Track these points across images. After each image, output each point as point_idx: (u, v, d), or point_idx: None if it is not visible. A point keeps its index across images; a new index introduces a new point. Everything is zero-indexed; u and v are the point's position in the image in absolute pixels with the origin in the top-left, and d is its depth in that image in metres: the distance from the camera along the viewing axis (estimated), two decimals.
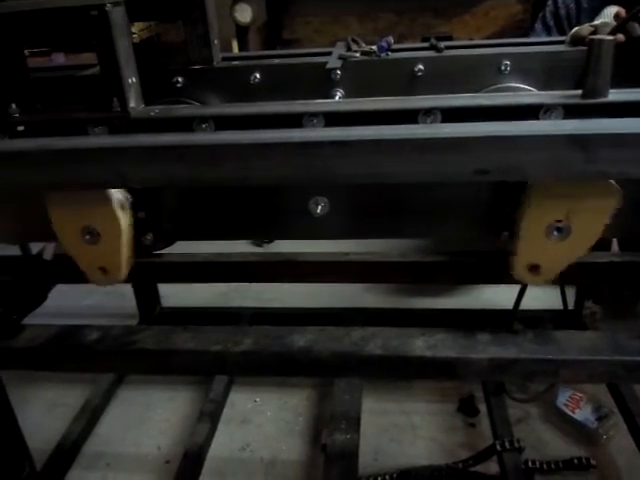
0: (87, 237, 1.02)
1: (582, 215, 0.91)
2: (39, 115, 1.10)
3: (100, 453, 1.90)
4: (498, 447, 1.71)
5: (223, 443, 1.90)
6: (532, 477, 1.69)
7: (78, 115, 1.05)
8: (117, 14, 0.98)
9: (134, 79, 1.03)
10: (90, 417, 1.98)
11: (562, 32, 2.12)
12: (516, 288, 1.19)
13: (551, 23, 2.22)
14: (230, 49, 3.55)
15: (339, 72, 1.24)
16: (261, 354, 1.10)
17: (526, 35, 2.60)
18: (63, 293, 1.60)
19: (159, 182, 0.92)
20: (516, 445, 1.71)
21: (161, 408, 2.08)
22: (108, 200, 0.99)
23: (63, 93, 1.26)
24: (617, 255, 1.46)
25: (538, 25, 2.28)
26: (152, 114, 1.03)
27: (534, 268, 0.98)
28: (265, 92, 1.27)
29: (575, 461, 1.72)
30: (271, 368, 1.14)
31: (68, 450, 1.85)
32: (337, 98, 1.24)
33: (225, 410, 2.02)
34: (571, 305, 2.06)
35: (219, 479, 1.79)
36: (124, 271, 1.07)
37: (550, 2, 2.22)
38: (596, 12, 1.77)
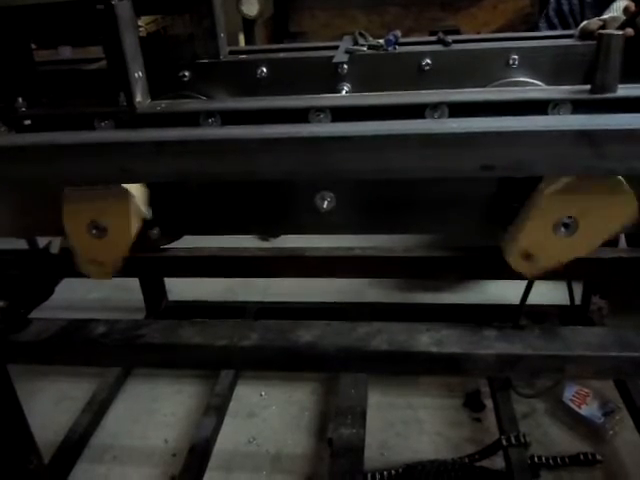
0: (94, 232, 1.02)
1: (591, 214, 0.90)
2: (45, 109, 1.10)
3: (107, 446, 1.91)
4: (504, 442, 1.71)
5: (229, 436, 1.91)
6: (538, 472, 1.69)
7: (84, 109, 1.05)
8: (123, 8, 0.97)
9: (140, 73, 1.03)
10: (97, 410, 1.99)
11: (566, 29, 2.11)
12: (522, 283, 1.19)
13: (555, 20, 2.21)
14: (237, 43, 3.54)
15: (346, 66, 1.24)
16: (267, 349, 1.10)
17: (533, 29, 2.59)
18: (70, 287, 1.60)
19: (165, 177, 0.92)
20: (522, 440, 1.71)
21: (168, 401, 2.09)
22: (115, 195, 0.99)
23: (69, 87, 1.26)
24: (625, 251, 1.45)
25: (542, 23, 2.27)
26: (158, 109, 1.03)
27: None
28: (272, 86, 1.27)
29: (581, 456, 1.72)
30: (277, 362, 1.14)
31: (75, 443, 1.86)
32: (344, 92, 1.24)
33: (231, 404, 2.03)
34: (578, 300, 2.06)
35: (225, 472, 1.79)
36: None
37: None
38: (601, 7, 1.75)
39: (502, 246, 1.01)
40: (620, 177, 0.86)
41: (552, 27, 2.19)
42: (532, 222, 0.93)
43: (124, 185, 0.98)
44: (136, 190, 1.01)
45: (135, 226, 1.02)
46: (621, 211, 0.88)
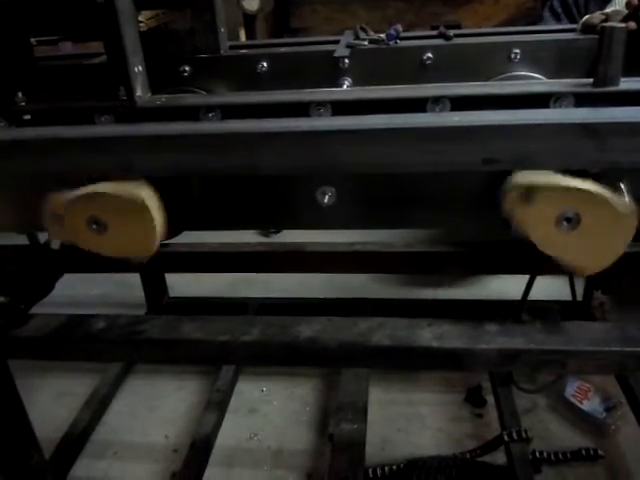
0: (94, 227, 1.01)
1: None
2: (45, 104, 1.09)
3: (108, 442, 1.91)
4: (505, 437, 1.71)
5: (230, 432, 1.91)
6: (539, 467, 1.69)
7: (84, 104, 1.05)
8: (123, 2, 0.97)
9: (140, 67, 1.02)
10: (98, 406, 1.98)
11: (571, 19, 2.10)
12: (524, 279, 1.18)
13: (559, 10, 2.20)
14: (237, 38, 3.53)
15: (347, 61, 1.23)
16: (268, 344, 1.10)
17: (536, 23, 2.58)
18: (71, 283, 1.60)
19: (165, 171, 0.91)
20: (524, 435, 1.70)
21: (169, 397, 2.09)
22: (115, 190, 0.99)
23: (70, 82, 1.26)
24: (628, 245, 1.44)
25: (546, 13, 2.26)
26: (158, 103, 1.03)
27: None
28: (272, 81, 1.26)
29: (583, 452, 1.72)
30: (278, 358, 1.13)
31: (76, 439, 1.85)
32: (345, 87, 1.24)
33: (232, 399, 2.03)
34: (580, 296, 2.05)
35: (226, 468, 1.79)
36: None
37: None
38: None
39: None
40: None
41: (557, 17, 2.18)
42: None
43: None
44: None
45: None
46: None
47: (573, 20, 2.06)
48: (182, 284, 2.49)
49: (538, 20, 2.40)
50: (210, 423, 1.86)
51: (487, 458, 1.73)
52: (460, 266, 1.59)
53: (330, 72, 1.25)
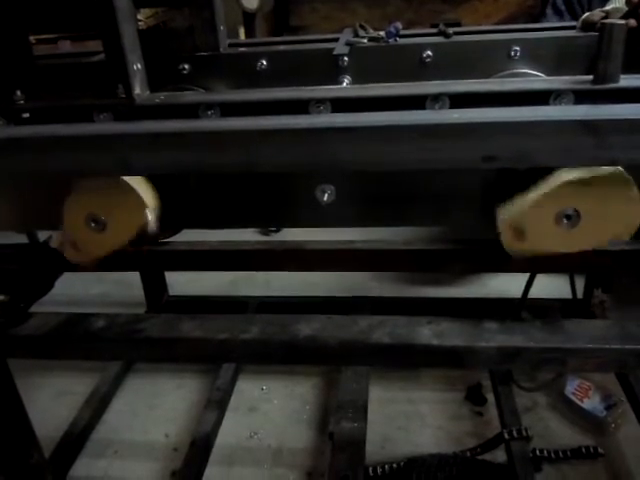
0: (93, 225, 1.01)
1: (591, 204, 0.90)
2: (44, 102, 1.09)
3: (108, 441, 1.91)
4: (506, 435, 1.71)
5: (230, 431, 1.91)
6: (540, 466, 1.69)
7: (83, 102, 1.05)
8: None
9: (139, 65, 1.02)
10: (98, 405, 1.98)
11: (574, 16, 2.10)
12: (524, 277, 1.18)
13: (562, 8, 2.20)
14: (237, 36, 3.53)
15: (346, 58, 1.23)
16: (268, 342, 1.09)
17: (537, 21, 2.58)
18: (70, 282, 1.59)
19: (164, 169, 0.91)
20: (524, 434, 1.70)
21: (169, 396, 2.09)
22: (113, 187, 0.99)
23: (69, 80, 1.25)
24: (627, 243, 1.44)
25: (549, 10, 2.26)
26: (157, 101, 1.02)
27: None
28: (272, 78, 1.26)
29: (583, 450, 1.72)
30: (278, 356, 1.13)
31: (76, 438, 1.85)
32: (344, 84, 1.23)
33: (232, 398, 2.03)
34: (580, 294, 2.05)
35: (227, 466, 1.79)
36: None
37: None
38: None
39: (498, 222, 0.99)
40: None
41: (559, 14, 2.18)
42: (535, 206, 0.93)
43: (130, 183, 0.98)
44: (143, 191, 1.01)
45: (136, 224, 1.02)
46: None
47: (576, 17, 2.06)
48: (182, 282, 2.49)
49: (540, 17, 2.40)
50: (210, 422, 1.86)
51: (487, 456, 1.72)
52: (460, 264, 1.58)
53: (329, 70, 1.25)
